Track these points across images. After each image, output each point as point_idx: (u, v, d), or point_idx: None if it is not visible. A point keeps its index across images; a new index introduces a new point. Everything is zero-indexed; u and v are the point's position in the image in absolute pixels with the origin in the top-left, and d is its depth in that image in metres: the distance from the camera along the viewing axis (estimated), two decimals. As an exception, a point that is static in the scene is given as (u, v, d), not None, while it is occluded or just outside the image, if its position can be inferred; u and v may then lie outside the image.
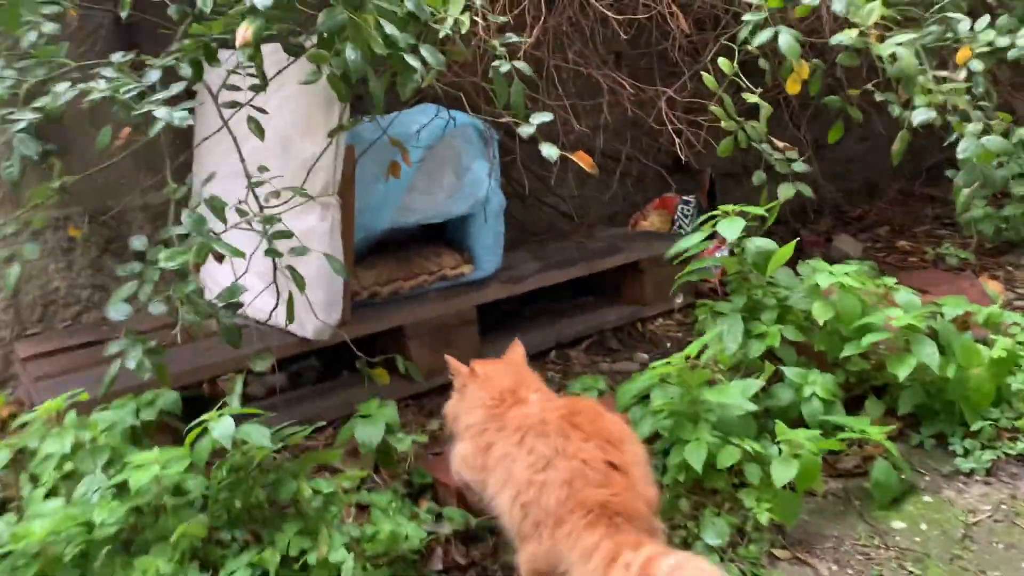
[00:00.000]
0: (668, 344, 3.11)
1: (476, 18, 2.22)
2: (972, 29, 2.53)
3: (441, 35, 2.04)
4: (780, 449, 1.94)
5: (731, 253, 3.73)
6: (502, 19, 2.20)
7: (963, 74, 2.49)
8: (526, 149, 3.33)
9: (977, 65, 2.47)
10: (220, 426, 1.74)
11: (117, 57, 2.20)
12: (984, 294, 2.75)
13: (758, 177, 2.70)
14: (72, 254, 3.14)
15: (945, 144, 2.52)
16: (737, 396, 1.97)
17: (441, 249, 3.06)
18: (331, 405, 2.75)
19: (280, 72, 2.22)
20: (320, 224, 2.52)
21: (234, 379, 2.03)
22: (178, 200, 2.24)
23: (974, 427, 2.20)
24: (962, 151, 2.29)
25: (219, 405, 2.01)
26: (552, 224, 3.75)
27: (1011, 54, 2.45)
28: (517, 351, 2.03)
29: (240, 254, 1.97)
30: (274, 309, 2.36)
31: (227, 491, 1.78)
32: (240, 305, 2.16)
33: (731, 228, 2.26)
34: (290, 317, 2.18)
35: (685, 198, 3.89)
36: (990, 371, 2.20)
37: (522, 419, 1.77)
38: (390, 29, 1.93)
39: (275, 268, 2.29)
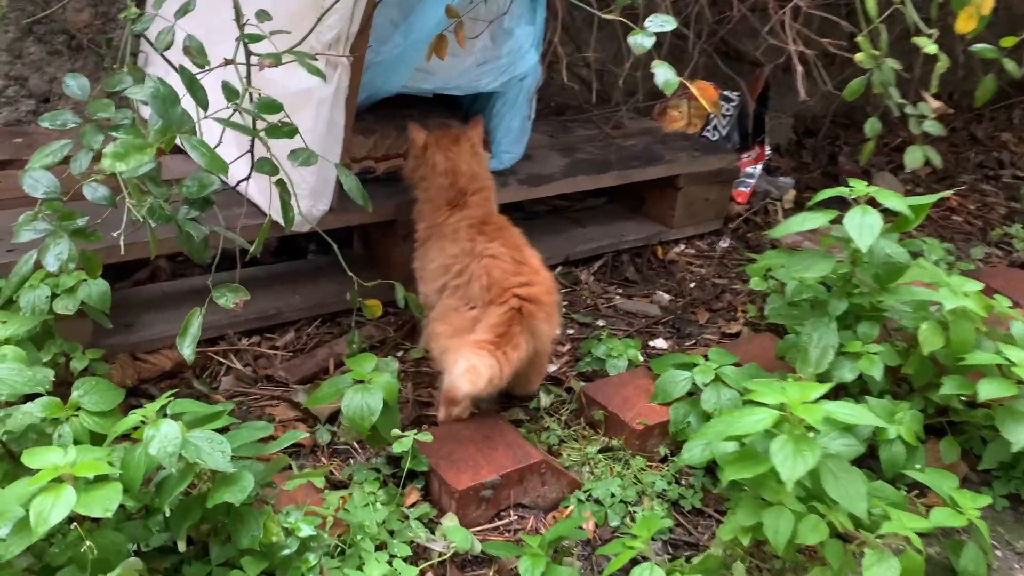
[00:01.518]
0: (692, 284, 2.67)
1: None
2: None
3: None
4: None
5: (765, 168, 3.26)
6: None
7: None
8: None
9: None
10: (160, 437, 1.21)
11: None
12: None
13: (872, 127, 2.18)
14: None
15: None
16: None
17: (453, 124, 2.46)
18: (294, 303, 2.23)
19: None
20: (322, 87, 1.89)
21: (191, 316, 1.48)
22: (135, 31, 1.60)
23: (1057, 498, 1.90)
24: None
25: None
26: (572, 97, 3.15)
27: None
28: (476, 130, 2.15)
29: (223, 166, 1.38)
30: (245, 179, 1.79)
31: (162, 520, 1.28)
32: (210, 204, 1.59)
33: (865, 230, 1.75)
34: (287, 221, 1.61)
35: (727, 94, 3.32)
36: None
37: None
38: None
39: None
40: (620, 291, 2.59)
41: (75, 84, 1.57)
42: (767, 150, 3.29)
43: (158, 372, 1.96)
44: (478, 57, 2.31)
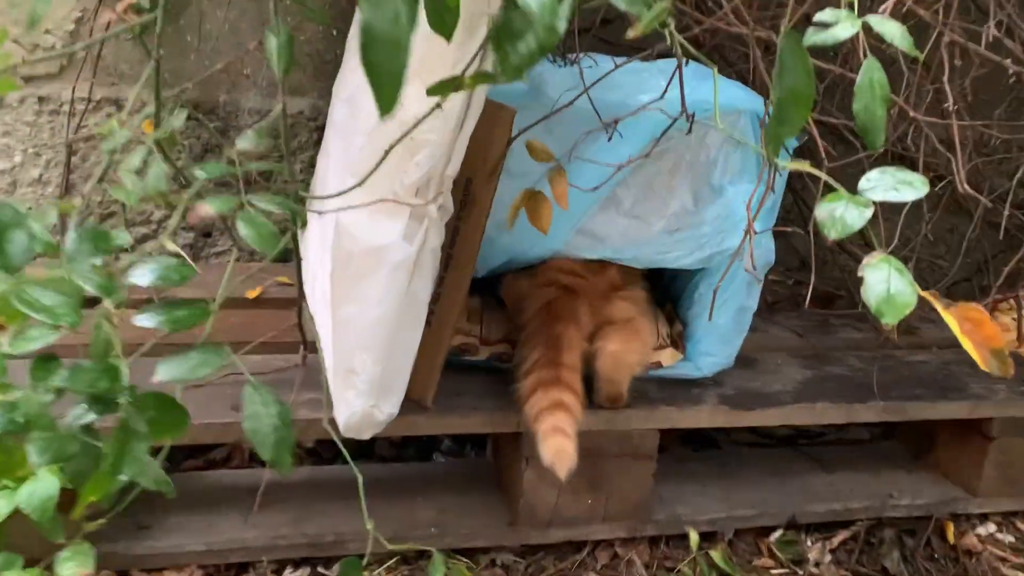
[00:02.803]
0: (997, 599, 1.66)
1: None
2: None
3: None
4: None
5: None
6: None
7: None
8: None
9: None
10: None
11: None
12: None
13: None
14: (154, 155, 2.21)
15: None
16: None
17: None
18: (363, 530, 1.59)
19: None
20: (397, 247, 1.32)
21: None
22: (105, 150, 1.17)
23: None
24: None
25: None
26: (840, 283, 2.32)
27: None
28: None
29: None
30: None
31: None
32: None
33: None
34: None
35: (1091, 301, 2.27)
36: None
37: None
38: None
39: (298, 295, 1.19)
40: (870, 589, 1.67)
41: (125, 236, 1.17)
42: None
43: (144, 605, 1.44)
44: (670, 222, 1.62)
